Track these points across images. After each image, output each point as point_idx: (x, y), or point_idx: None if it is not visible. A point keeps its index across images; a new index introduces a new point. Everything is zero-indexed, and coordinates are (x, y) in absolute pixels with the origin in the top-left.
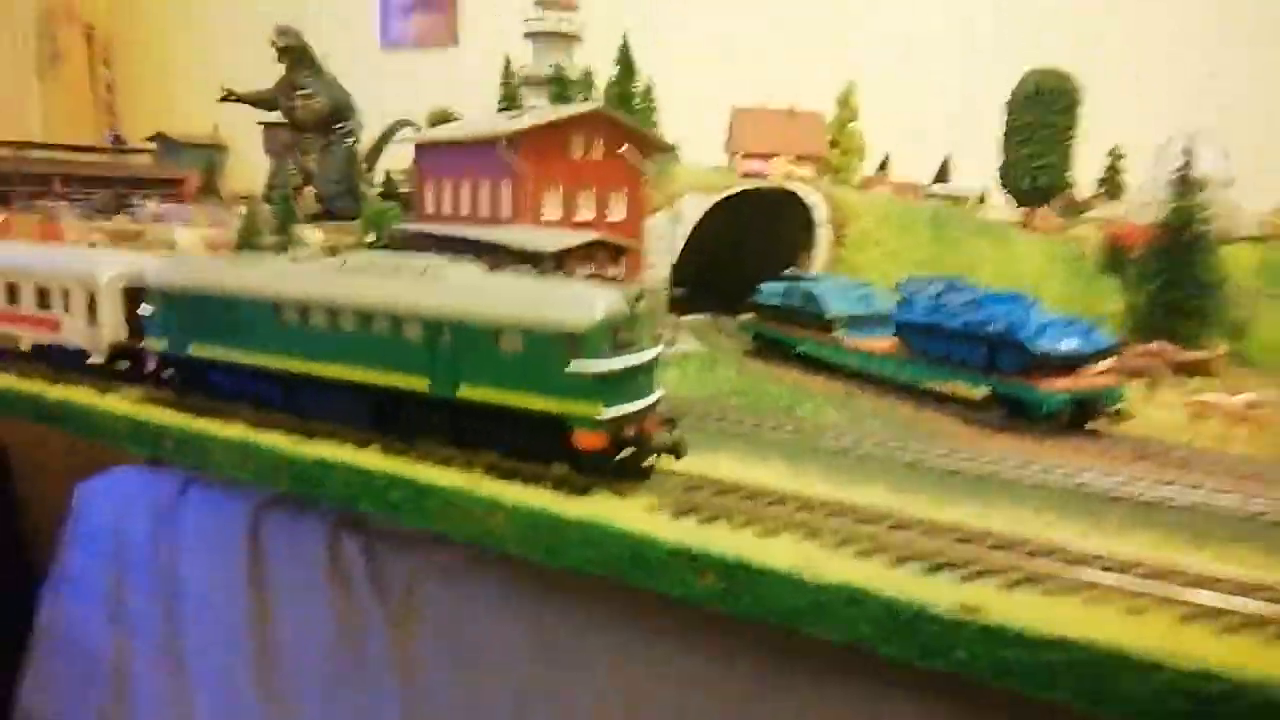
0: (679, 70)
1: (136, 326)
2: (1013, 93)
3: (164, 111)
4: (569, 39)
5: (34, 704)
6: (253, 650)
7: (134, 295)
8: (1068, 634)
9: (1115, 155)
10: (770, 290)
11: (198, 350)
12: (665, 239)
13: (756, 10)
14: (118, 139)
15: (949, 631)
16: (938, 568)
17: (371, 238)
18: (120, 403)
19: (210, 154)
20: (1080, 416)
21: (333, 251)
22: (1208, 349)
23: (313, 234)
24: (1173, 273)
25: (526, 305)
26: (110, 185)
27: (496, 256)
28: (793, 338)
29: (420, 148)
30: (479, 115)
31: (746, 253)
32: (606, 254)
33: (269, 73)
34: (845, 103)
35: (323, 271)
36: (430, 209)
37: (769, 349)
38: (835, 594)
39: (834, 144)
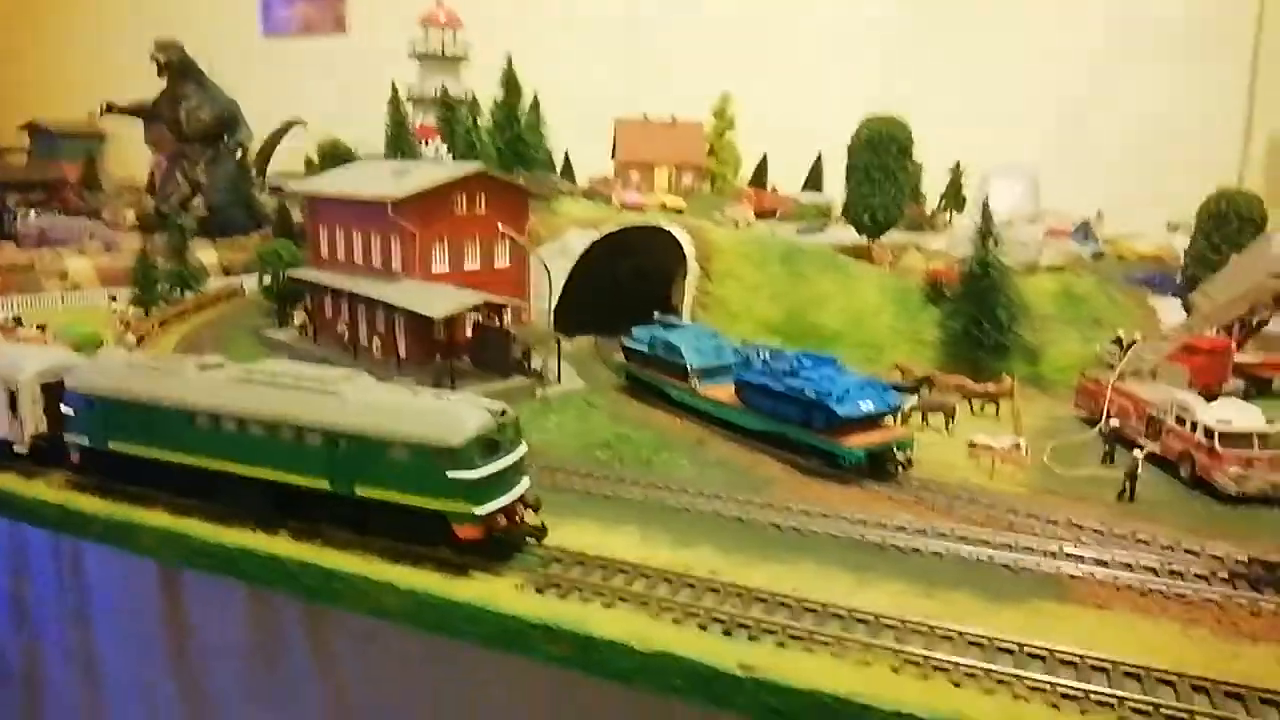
0: (565, 85)
1: (56, 418)
2: (851, 138)
3: (39, 105)
4: (454, 60)
5: None
6: (167, 644)
7: (52, 389)
8: (815, 685)
9: (956, 171)
10: (639, 336)
11: (117, 446)
12: (553, 271)
13: (637, 26)
14: None
15: (733, 686)
16: (730, 631)
17: (267, 280)
18: (47, 490)
19: (89, 144)
20: (878, 463)
21: (226, 272)
22: (999, 381)
23: (207, 254)
24: (975, 311)
25: (411, 423)
26: None
27: (391, 314)
28: (657, 382)
29: (311, 196)
30: (367, 162)
31: (626, 281)
32: (492, 306)
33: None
34: (721, 114)
35: (233, 384)
36: (325, 253)
37: (638, 386)
38: (654, 659)
39: (712, 152)
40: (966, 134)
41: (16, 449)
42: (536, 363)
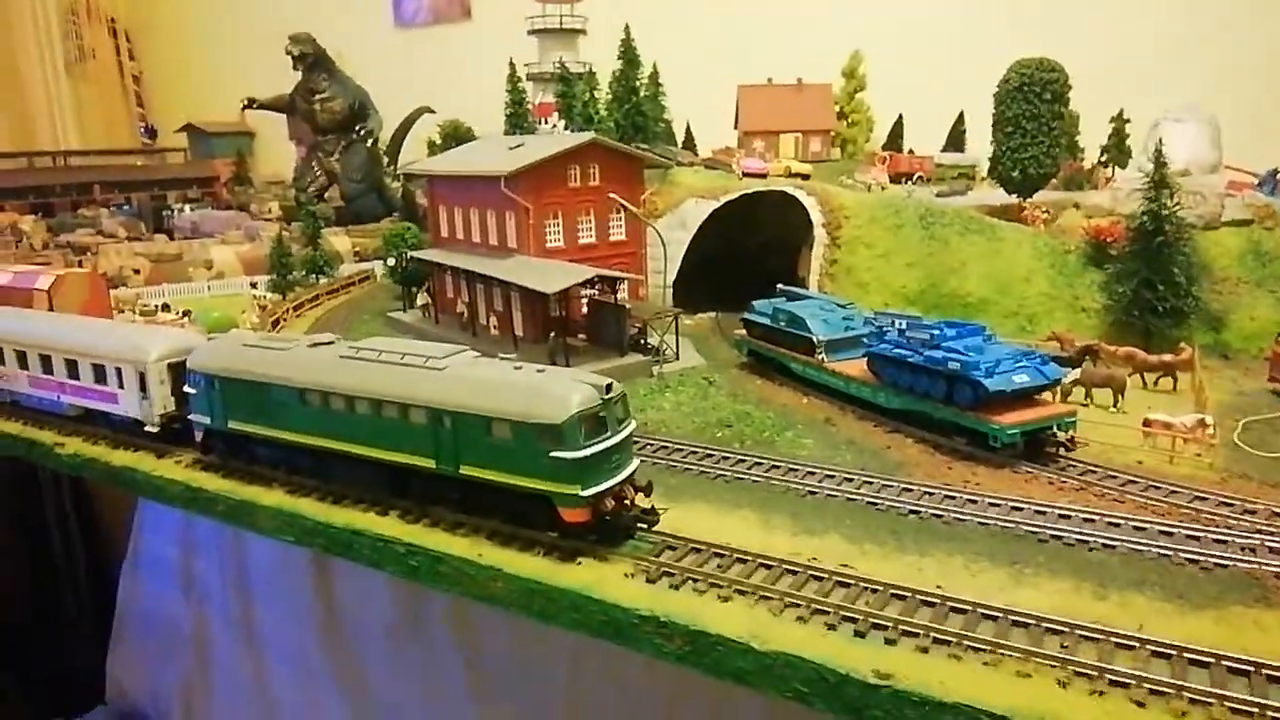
0: (686, 54)
1: (183, 397)
2: (999, 84)
3: (190, 97)
4: (572, 34)
5: (123, 677)
6: (319, 617)
7: (179, 369)
8: (963, 698)
9: (1119, 120)
10: (761, 309)
11: (235, 425)
12: (671, 244)
13: None
14: (151, 130)
15: (866, 694)
16: (863, 632)
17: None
18: (174, 469)
19: (239, 140)
20: (1035, 444)
21: (359, 257)
22: (1177, 351)
23: (340, 241)
24: (1148, 271)
25: (512, 399)
26: (147, 188)
27: (507, 292)
28: (780, 357)
29: (433, 176)
30: (484, 141)
31: (750, 253)
32: (606, 281)
33: (286, 56)
34: (852, 74)
35: (340, 361)
36: (444, 233)
37: (761, 362)
38: (775, 660)
39: (842, 115)
40: (1129, 79)
41: (148, 428)
42: (654, 339)
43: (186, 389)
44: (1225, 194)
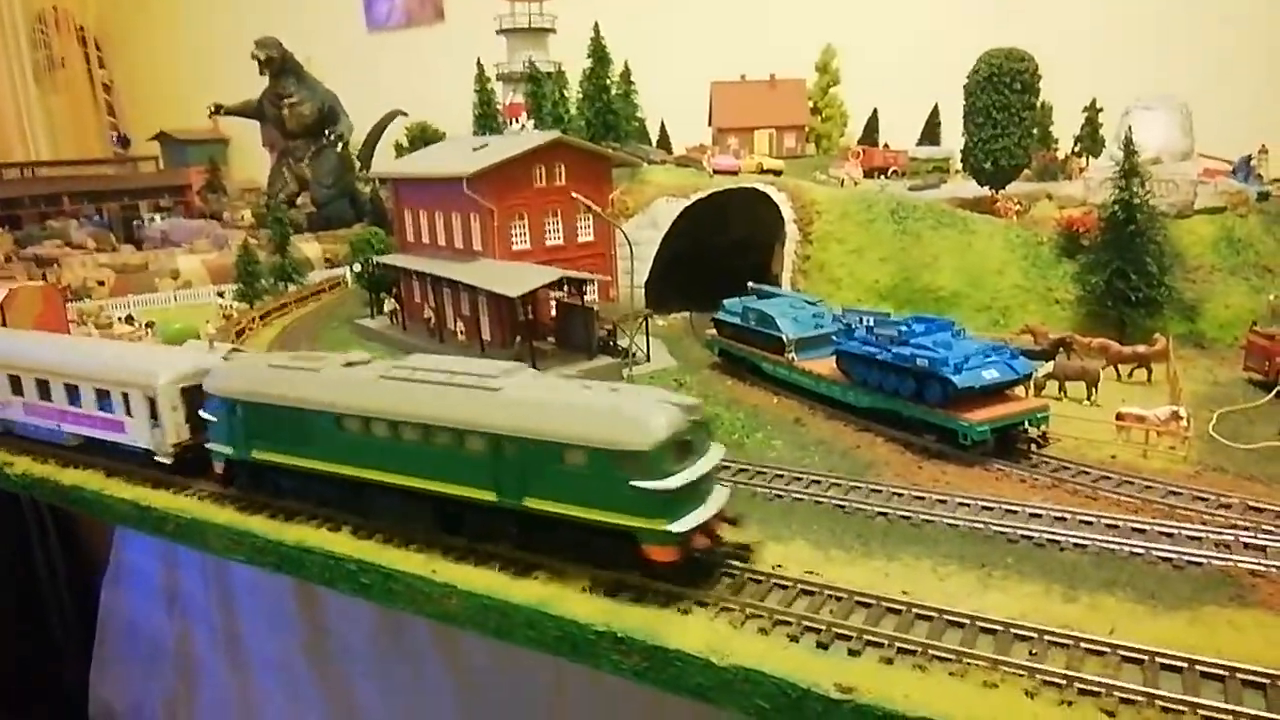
0: (659, 52)
1: (198, 424)
2: (969, 75)
3: (164, 105)
4: (541, 33)
5: (107, 693)
6: (304, 630)
7: (193, 394)
8: (928, 711)
9: (1092, 110)
10: (731, 308)
11: (262, 455)
12: (643, 243)
13: None
14: (123, 139)
15: (828, 709)
16: (827, 643)
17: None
18: (192, 504)
19: (213, 148)
20: (1006, 441)
21: (330, 263)
22: (1151, 342)
23: (310, 247)
24: (1120, 261)
25: (587, 423)
26: (118, 198)
27: (474, 296)
28: (750, 357)
29: (397, 179)
30: (449, 142)
31: (724, 252)
32: (573, 282)
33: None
34: (825, 68)
35: (381, 382)
36: (410, 237)
37: (733, 362)
38: (735, 676)
39: (816, 111)
40: (1102, 69)
41: (159, 459)
42: (624, 341)
43: (204, 415)
44: (1198, 181)
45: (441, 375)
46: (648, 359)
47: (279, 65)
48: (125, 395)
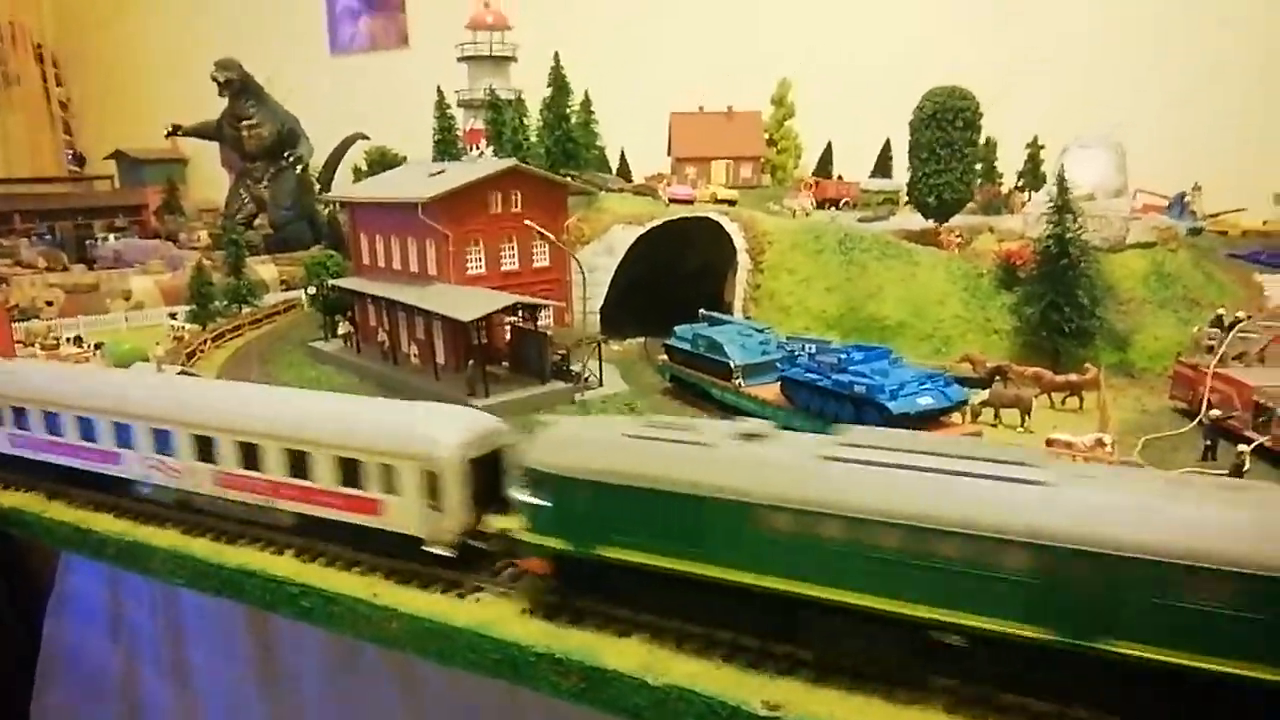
0: (621, 82)
1: (484, 504)
2: (914, 112)
3: (121, 124)
4: (503, 61)
5: None
6: (254, 658)
7: (487, 467)
8: None
9: (1034, 147)
10: (682, 335)
11: (615, 552)
12: (598, 269)
13: (688, 16)
14: (78, 157)
15: None
16: (759, 663)
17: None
18: (66, 510)
19: (170, 168)
20: None
21: (287, 286)
22: (1082, 371)
23: (266, 269)
24: (1054, 293)
25: (1227, 538)
26: (71, 217)
27: (429, 320)
28: (700, 383)
29: (352, 203)
30: (406, 167)
31: (679, 280)
32: (527, 307)
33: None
34: (781, 101)
35: (824, 466)
36: (365, 260)
37: (683, 387)
38: (668, 695)
39: (772, 142)
40: (1049, 108)
41: (432, 549)
42: (576, 365)
43: (518, 496)
44: (1130, 217)
45: (932, 459)
46: (600, 384)
47: (238, 87)
48: (388, 468)
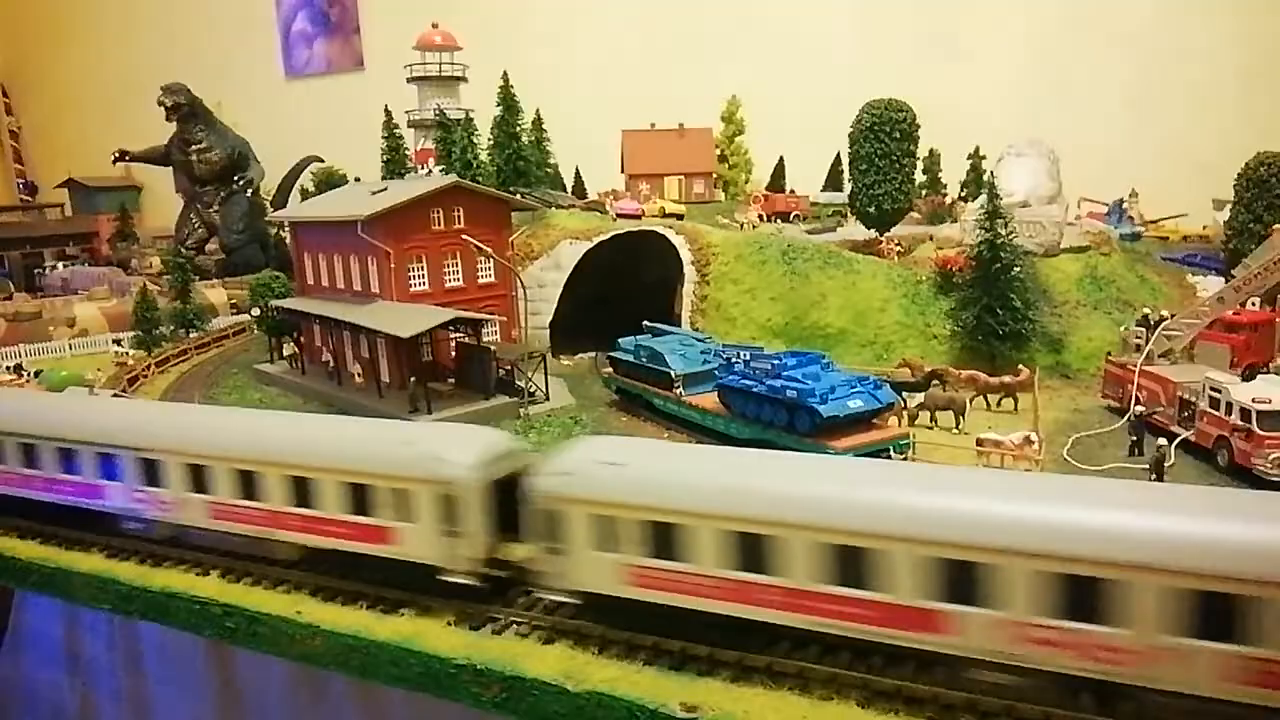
0: (575, 101)
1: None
2: (853, 125)
3: (72, 152)
4: (452, 81)
5: None
6: (215, 690)
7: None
8: None
9: (976, 157)
10: (625, 346)
11: None
12: (547, 285)
13: (637, 33)
14: (29, 185)
15: None
16: (680, 665)
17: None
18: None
19: (124, 195)
20: None
21: (236, 309)
22: (1016, 373)
23: (215, 293)
24: (988, 298)
25: None
26: (20, 245)
27: (372, 339)
28: (643, 393)
29: (295, 223)
30: (350, 186)
31: (629, 293)
32: (470, 323)
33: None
34: (730, 118)
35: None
36: (310, 280)
37: (628, 399)
38: (588, 700)
39: (723, 158)
40: (990, 116)
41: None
42: (522, 380)
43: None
44: (1065, 223)
45: None
46: (547, 398)
47: (187, 111)
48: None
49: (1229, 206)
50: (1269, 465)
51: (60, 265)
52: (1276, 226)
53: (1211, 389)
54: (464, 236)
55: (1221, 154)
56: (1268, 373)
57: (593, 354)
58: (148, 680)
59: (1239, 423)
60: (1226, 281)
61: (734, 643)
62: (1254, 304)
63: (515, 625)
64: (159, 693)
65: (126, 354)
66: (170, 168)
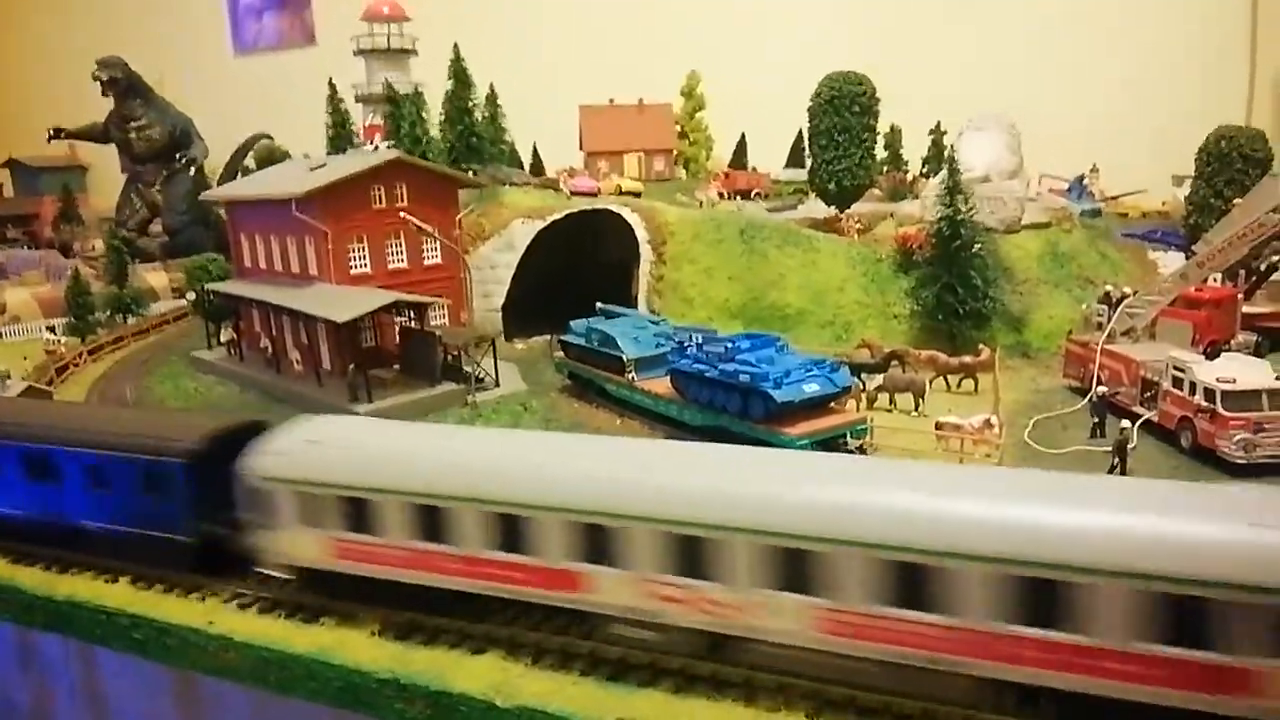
0: (532, 76)
1: None
2: (811, 99)
3: (13, 132)
4: (401, 54)
5: None
6: (175, 685)
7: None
8: None
9: (937, 132)
10: (576, 329)
11: None
12: (500, 266)
13: (596, 4)
14: None
15: None
16: (618, 676)
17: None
18: None
19: (68, 175)
20: (830, 451)
21: (178, 294)
22: (977, 353)
23: (156, 277)
24: (948, 276)
25: None
26: None
27: (312, 324)
28: (595, 378)
29: (230, 202)
30: (287, 163)
31: (585, 275)
32: (414, 307)
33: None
34: (690, 93)
35: None
36: (247, 262)
37: (581, 384)
38: (518, 716)
39: (683, 135)
40: (952, 92)
41: None
42: (470, 366)
43: None
44: (1025, 198)
45: None
46: (497, 384)
47: (124, 85)
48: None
49: (1188, 182)
50: (1233, 447)
51: None
52: (1237, 201)
53: (1175, 368)
54: (402, 214)
55: (1179, 129)
56: (1230, 350)
57: (547, 337)
58: (103, 673)
59: (1203, 403)
60: (1188, 258)
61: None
62: (1215, 280)
63: (444, 635)
64: (114, 688)
65: (59, 341)
66: (116, 147)
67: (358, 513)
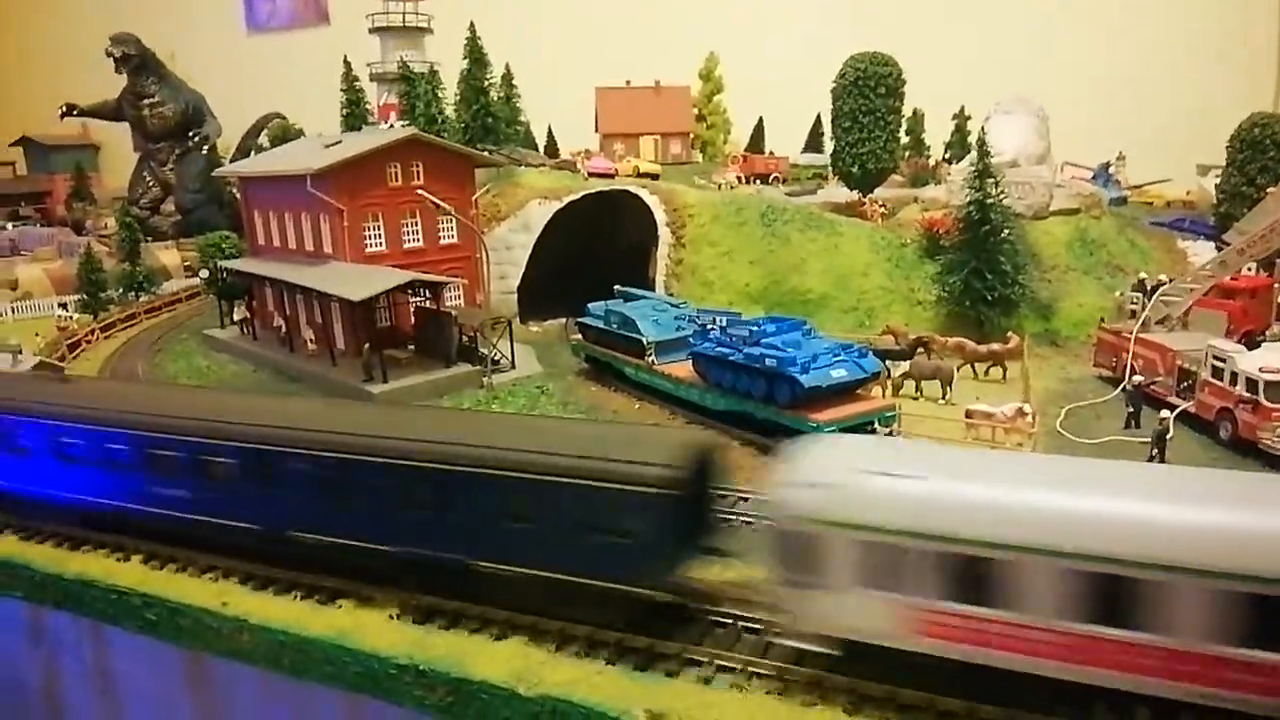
0: (550, 57)
1: None
2: (835, 80)
3: (27, 110)
4: (417, 32)
5: None
6: (185, 664)
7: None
8: None
9: (961, 117)
10: (595, 312)
11: None
12: (515, 247)
13: None
14: None
15: None
16: (646, 665)
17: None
18: None
19: (80, 154)
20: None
21: (190, 272)
22: (1005, 340)
23: (168, 255)
24: (977, 261)
25: None
26: None
27: (326, 303)
28: (613, 361)
29: (244, 179)
30: (302, 141)
31: (603, 257)
32: (430, 286)
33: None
34: (709, 76)
35: None
36: (261, 240)
37: (598, 367)
38: (542, 706)
39: (701, 118)
40: (977, 77)
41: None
42: (485, 347)
43: None
44: (1053, 184)
45: None
46: (513, 365)
47: (137, 63)
48: None
49: (1214, 171)
50: (1277, 439)
51: (9, 225)
52: (1271, 190)
53: (1215, 358)
54: (420, 192)
55: (1203, 118)
56: (1265, 340)
57: (563, 320)
58: (113, 652)
59: (1245, 394)
60: (1218, 247)
61: None
62: (1250, 269)
63: (464, 620)
64: (125, 667)
65: (70, 318)
66: (129, 125)
67: (969, 574)
